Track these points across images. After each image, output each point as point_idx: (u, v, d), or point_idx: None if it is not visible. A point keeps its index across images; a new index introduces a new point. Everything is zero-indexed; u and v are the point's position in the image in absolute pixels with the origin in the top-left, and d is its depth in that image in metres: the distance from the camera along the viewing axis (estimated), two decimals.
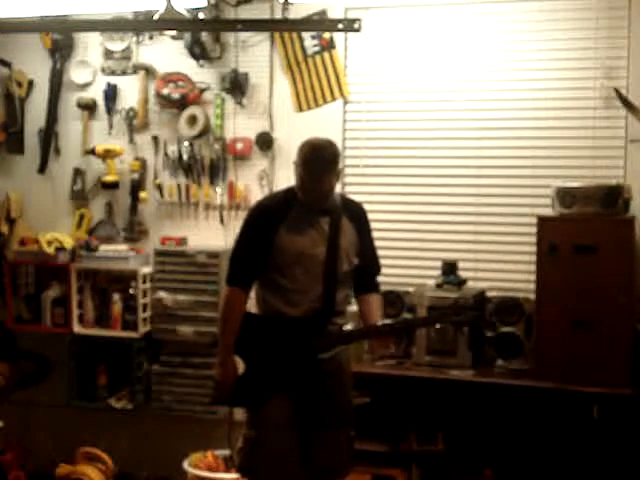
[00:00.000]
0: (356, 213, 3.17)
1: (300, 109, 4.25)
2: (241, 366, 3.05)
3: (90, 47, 4.60)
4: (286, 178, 4.26)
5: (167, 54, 4.43)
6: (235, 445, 3.13)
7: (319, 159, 2.99)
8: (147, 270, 4.37)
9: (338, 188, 4.21)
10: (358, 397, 3.45)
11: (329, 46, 4.18)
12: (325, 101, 4.21)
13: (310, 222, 3.03)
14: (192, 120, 4.35)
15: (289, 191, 3.12)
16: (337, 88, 4.19)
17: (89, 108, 4.59)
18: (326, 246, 3.01)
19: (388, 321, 3.17)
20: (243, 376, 3.04)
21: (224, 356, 3.04)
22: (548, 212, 3.66)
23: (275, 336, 3.02)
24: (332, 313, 3.04)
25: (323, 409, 3.03)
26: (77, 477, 4.25)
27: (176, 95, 4.35)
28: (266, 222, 3.02)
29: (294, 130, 4.25)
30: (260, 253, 3.00)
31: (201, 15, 4.15)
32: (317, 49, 4.21)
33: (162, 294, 4.30)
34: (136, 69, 4.50)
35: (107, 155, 4.45)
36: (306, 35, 4.20)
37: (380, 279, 4.06)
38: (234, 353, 3.03)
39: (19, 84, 4.67)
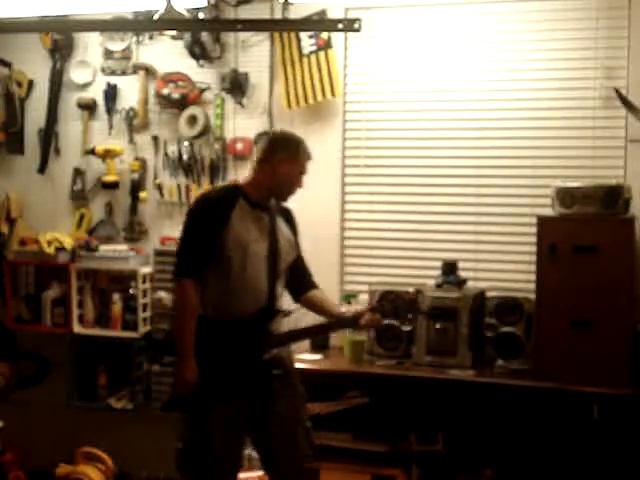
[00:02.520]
0: (288, 216, 3.20)
1: (289, 106, 4.23)
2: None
3: (90, 47, 4.60)
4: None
5: (167, 54, 4.43)
6: (175, 445, 3.10)
7: (308, 155, 3.07)
8: (147, 270, 4.37)
9: (338, 188, 4.25)
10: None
11: (326, 46, 4.17)
12: (315, 99, 4.18)
13: (253, 218, 3.01)
14: (192, 120, 4.35)
15: (231, 187, 3.16)
16: (329, 87, 4.16)
17: (89, 108, 4.59)
18: (267, 243, 3.01)
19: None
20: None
21: (187, 357, 2.93)
22: (548, 212, 3.66)
23: (221, 338, 2.97)
24: (273, 312, 3.04)
25: (273, 408, 3.03)
26: (77, 477, 4.26)
27: (176, 95, 4.35)
28: (213, 215, 2.96)
29: (294, 130, 4.24)
30: (208, 244, 2.93)
31: (201, 15, 4.15)
32: (313, 48, 4.19)
33: (162, 294, 4.30)
34: (136, 69, 4.50)
35: (107, 155, 4.45)
36: (303, 35, 4.19)
37: (380, 279, 4.10)
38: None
39: (19, 84, 4.67)
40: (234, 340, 2.97)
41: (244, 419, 3.01)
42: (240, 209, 2.99)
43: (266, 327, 3.02)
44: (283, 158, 3.03)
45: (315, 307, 3.23)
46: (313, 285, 3.26)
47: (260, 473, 4.01)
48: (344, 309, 3.14)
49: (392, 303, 3.25)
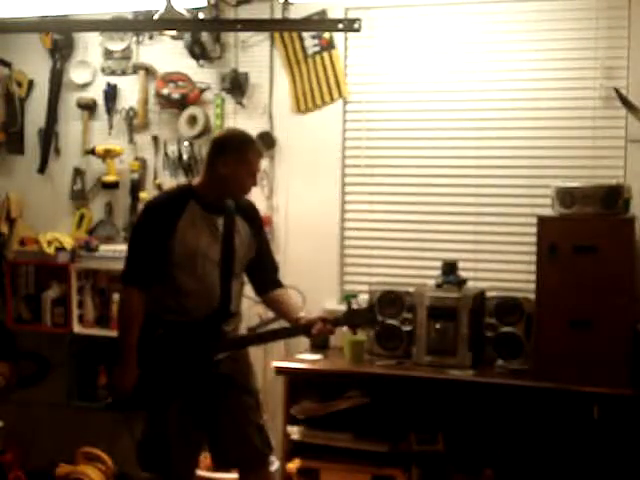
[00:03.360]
0: (249, 212, 3.14)
1: (299, 110, 4.25)
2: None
3: (90, 47, 4.60)
4: (286, 178, 4.29)
5: (167, 54, 4.43)
6: (135, 437, 3.14)
7: (259, 153, 3.04)
8: None
9: (338, 188, 4.25)
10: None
11: (329, 46, 4.18)
12: (324, 102, 4.21)
13: (205, 222, 2.99)
14: (192, 120, 4.35)
15: (183, 189, 3.10)
16: (336, 89, 4.18)
17: (89, 108, 4.59)
18: (221, 247, 2.98)
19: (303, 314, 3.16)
20: (140, 379, 2.98)
21: (125, 358, 2.95)
22: (548, 212, 3.66)
23: (171, 338, 2.98)
24: (227, 314, 3.02)
25: (224, 407, 3.04)
26: (77, 477, 4.26)
27: (176, 95, 4.35)
28: (162, 220, 2.94)
29: (294, 130, 4.25)
30: (156, 252, 2.93)
31: (201, 15, 4.14)
32: (317, 49, 4.20)
33: None
34: (136, 69, 4.50)
35: (107, 155, 4.45)
36: (306, 35, 4.20)
37: (380, 279, 4.10)
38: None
39: (19, 84, 4.67)
40: (186, 340, 2.97)
41: (197, 417, 3.02)
42: (189, 214, 2.96)
43: (219, 329, 3.01)
44: (227, 160, 2.98)
45: (275, 309, 3.24)
46: (276, 284, 3.23)
47: None
48: (302, 314, 3.12)
49: (347, 314, 3.24)
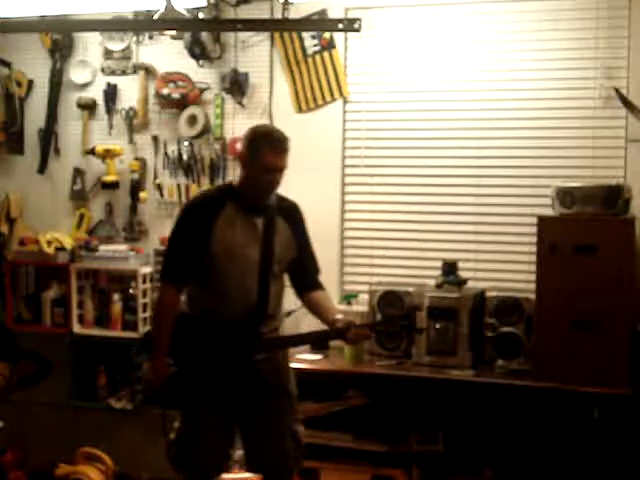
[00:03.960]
0: (291, 213, 3.11)
1: (300, 109, 4.25)
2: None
3: (90, 47, 4.60)
4: (286, 178, 4.27)
5: (167, 54, 4.43)
6: (168, 437, 3.10)
7: (277, 149, 2.93)
8: (147, 270, 4.37)
9: (338, 188, 4.25)
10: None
11: (329, 46, 4.18)
12: (325, 102, 4.21)
13: (244, 222, 2.96)
14: (192, 120, 4.35)
15: (223, 189, 3.10)
16: (337, 88, 4.19)
17: (89, 108, 4.59)
18: (260, 247, 2.96)
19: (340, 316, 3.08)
20: (175, 377, 2.97)
21: (158, 355, 2.96)
22: (548, 212, 3.66)
23: (208, 338, 2.96)
24: (265, 316, 3.00)
25: (261, 409, 3.02)
26: (77, 477, 4.25)
27: (176, 95, 4.35)
28: (200, 219, 2.94)
29: (294, 130, 4.22)
30: (194, 250, 2.93)
31: (201, 15, 4.14)
32: (317, 49, 4.20)
33: None
34: (136, 69, 4.50)
35: (107, 155, 4.45)
36: (306, 35, 4.20)
37: (380, 279, 4.10)
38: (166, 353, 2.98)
39: (19, 84, 4.67)
40: (223, 340, 2.96)
41: (233, 418, 3.01)
42: (227, 213, 2.95)
43: (256, 330, 2.99)
44: (245, 158, 2.98)
45: (312, 310, 3.20)
46: (315, 285, 3.20)
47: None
48: (340, 316, 3.10)
49: (386, 323, 3.22)
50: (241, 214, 2.97)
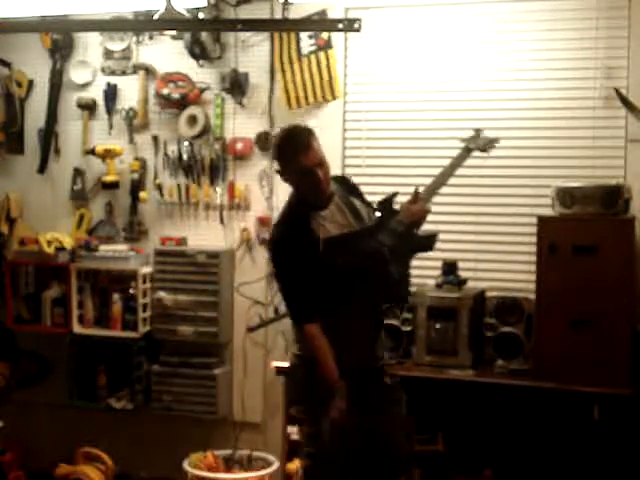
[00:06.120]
0: (349, 186, 3.06)
1: (290, 106, 4.24)
2: None
3: (90, 47, 4.60)
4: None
5: (167, 54, 4.43)
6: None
7: (302, 147, 2.80)
8: (147, 270, 4.37)
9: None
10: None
11: (326, 46, 4.17)
12: (316, 100, 4.19)
13: (333, 218, 2.88)
14: (192, 120, 4.35)
15: (294, 207, 2.92)
16: (329, 88, 4.17)
17: (89, 108, 4.59)
18: (357, 224, 2.90)
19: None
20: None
21: (337, 394, 2.76)
22: (548, 212, 3.66)
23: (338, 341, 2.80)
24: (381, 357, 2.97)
25: (380, 421, 2.92)
26: (77, 477, 4.26)
27: (176, 95, 4.35)
28: (303, 244, 2.80)
29: None
30: (312, 282, 2.77)
31: (201, 15, 4.15)
32: (313, 48, 4.19)
33: (162, 294, 4.30)
34: (136, 69, 4.50)
35: (107, 155, 4.45)
36: (303, 35, 4.19)
37: None
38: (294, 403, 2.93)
39: (19, 84, 4.67)
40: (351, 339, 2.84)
41: (355, 430, 2.83)
42: (317, 224, 2.83)
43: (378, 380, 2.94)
44: (286, 176, 2.90)
45: None
46: None
47: (261, 473, 4.02)
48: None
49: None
50: (325, 215, 2.87)
